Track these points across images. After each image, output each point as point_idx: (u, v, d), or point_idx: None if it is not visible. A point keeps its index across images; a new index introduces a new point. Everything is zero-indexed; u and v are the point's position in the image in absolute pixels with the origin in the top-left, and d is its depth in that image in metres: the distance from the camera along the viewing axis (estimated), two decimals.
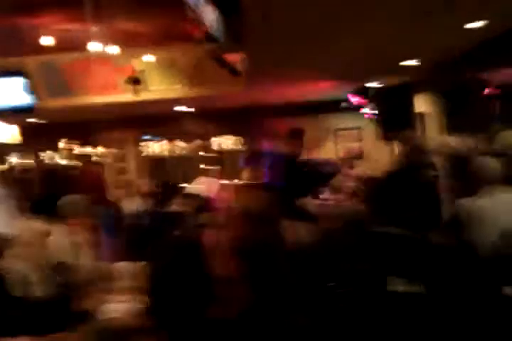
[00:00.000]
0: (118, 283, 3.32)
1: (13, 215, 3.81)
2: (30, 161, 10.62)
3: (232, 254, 2.78)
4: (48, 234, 3.53)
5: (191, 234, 5.11)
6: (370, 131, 9.82)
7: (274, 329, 1.75)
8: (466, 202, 3.46)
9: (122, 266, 3.46)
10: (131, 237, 6.27)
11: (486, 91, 6.96)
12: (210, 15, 4.77)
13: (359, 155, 9.77)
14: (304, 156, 5.57)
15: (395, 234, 3.65)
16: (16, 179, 5.59)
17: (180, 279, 1.58)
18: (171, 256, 1.65)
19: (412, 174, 4.27)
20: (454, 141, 5.70)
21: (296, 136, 5.38)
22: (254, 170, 8.60)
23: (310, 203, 5.19)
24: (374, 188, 4.80)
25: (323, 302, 3.75)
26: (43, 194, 6.45)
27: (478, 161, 3.55)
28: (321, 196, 6.37)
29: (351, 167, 7.17)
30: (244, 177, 8.27)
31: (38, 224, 3.40)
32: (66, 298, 3.20)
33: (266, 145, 9.23)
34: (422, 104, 8.08)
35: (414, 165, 4.42)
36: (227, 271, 2.01)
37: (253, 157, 8.70)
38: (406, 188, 4.30)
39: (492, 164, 3.49)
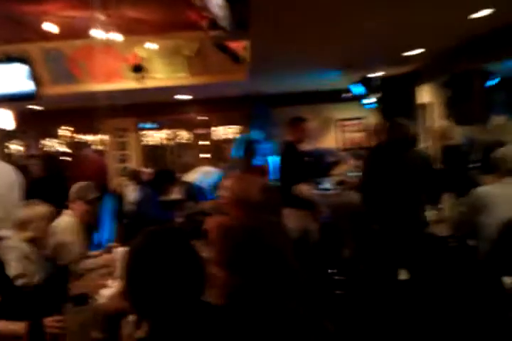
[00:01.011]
0: (116, 268, 3.36)
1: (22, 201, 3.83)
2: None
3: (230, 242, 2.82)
4: (52, 217, 3.58)
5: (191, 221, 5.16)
6: (372, 122, 9.86)
7: (268, 316, 1.74)
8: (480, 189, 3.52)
9: (121, 251, 3.50)
10: (130, 223, 6.33)
11: (488, 81, 6.98)
12: (214, 2, 4.77)
13: (361, 146, 9.80)
14: (306, 146, 5.55)
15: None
16: (20, 165, 5.60)
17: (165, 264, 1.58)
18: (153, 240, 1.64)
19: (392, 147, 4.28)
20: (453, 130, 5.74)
21: (298, 124, 5.38)
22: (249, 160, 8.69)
23: (308, 191, 5.20)
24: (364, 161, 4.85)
25: (324, 289, 3.81)
26: (42, 178, 6.46)
27: (502, 151, 3.59)
28: (321, 186, 6.41)
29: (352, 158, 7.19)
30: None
31: (41, 208, 3.43)
32: (64, 281, 3.26)
33: (268, 135, 9.30)
34: (423, 94, 8.11)
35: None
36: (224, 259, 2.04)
37: (250, 146, 8.77)
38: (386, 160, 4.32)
39: None
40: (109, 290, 2.89)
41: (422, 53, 6.62)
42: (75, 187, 4.08)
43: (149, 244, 1.59)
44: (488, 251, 3.30)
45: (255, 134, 8.99)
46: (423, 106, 8.01)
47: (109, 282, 3.10)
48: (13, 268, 2.99)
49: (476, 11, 4.65)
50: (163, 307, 1.52)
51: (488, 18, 4.85)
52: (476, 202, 3.47)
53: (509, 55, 5.61)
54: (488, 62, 6.28)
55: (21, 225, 3.31)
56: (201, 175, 8.03)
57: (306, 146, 5.47)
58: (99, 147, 10.73)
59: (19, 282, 2.98)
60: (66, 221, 3.91)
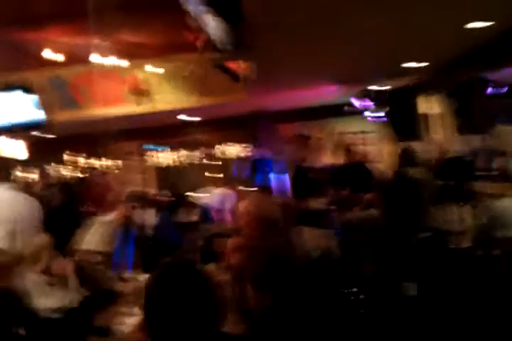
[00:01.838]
0: (133, 296, 3.33)
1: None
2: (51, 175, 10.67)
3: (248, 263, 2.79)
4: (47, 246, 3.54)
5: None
6: (375, 135, 9.85)
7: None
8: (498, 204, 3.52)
9: (139, 277, 3.47)
10: (145, 249, 6.28)
11: (490, 90, 6.97)
12: (212, 24, 4.80)
13: (364, 159, 9.75)
14: (310, 162, 5.51)
15: None
16: (37, 195, 5.52)
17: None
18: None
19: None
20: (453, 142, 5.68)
21: (302, 141, 5.35)
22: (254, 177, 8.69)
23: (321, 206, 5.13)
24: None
25: (344, 308, 3.74)
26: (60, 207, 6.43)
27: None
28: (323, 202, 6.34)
29: None
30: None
31: (44, 235, 3.41)
32: (91, 309, 3.22)
33: (270, 152, 9.30)
34: (426, 105, 8.09)
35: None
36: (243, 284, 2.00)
37: (256, 164, 8.78)
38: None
39: None
40: (134, 319, 2.84)
41: (422, 65, 6.62)
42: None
43: (166, 278, 1.66)
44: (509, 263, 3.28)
45: (260, 152, 8.99)
46: (426, 117, 7.99)
47: (135, 310, 3.06)
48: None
49: (473, 21, 4.66)
50: (180, 339, 1.57)
51: (486, 28, 4.85)
52: (495, 216, 3.47)
53: (509, 63, 5.61)
54: (489, 72, 6.28)
55: (34, 257, 3.29)
56: (214, 197, 8.02)
57: (311, 162, 5.43)
58: (108, 171, 10.75)
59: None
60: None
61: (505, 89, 6.90)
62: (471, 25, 4.75)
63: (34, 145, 9.42)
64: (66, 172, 10.99)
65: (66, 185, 8.06)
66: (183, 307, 1.58)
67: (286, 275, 1.91)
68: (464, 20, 4.64)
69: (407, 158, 4.39)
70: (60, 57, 6.83)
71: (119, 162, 10.55)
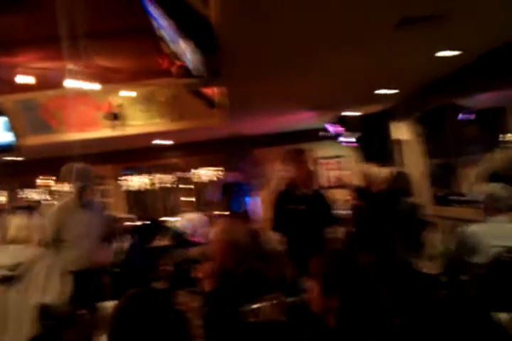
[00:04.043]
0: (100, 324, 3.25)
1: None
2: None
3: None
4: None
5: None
6: (350, 159, 9.96)
7: None
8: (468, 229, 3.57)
9: (106, 304, 3.40)
10: (118, 273, 6.17)
11: (461, 116, 7.11)
12: (186, 51, 4.82)
13: (341, 184, 9.83)
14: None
15: None
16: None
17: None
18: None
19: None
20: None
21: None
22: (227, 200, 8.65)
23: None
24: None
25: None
26: None
27: (489, 189, 3.65)
28: None
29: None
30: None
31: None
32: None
33: (245, 176, 9.29)
34: (399, 130, 8.20)
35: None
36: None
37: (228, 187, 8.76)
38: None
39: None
40: None
41: (394, 92, 6.74)
42: None
43: (131, 308, 1.61)
44: (479, 288, 3.29)
45: (234, 176, 8.99)
46: (399, 142, 8.10)
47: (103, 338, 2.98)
48: None
49: (443, 50, 4.76)
50: None
51: (455, 57, 4.97)
52: (464, 241, 3.49)
53: (479, 89, 5.73)
54: (459, 98, 6.40)
55: None
56: (189, 222, 7.95)
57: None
58: None
59: None
60: None
61: (473, 116, 7.05)
62: (441, 53, 4.86)
63: (4, 168, 9.26)
64: (37, 195, 10.81)
65: (30, 209, 7.91)
66: (149, 337, 1.54)
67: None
68: (434, 50, 4.74)
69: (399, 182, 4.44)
70: (32, 82, 6.77)
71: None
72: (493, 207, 3.52)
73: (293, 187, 4.45)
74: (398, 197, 4.90)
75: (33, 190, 10.85)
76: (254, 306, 2.21)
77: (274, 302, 2.25)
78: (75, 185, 4.44)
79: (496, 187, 3.67)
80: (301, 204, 4.30)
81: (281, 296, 2.32)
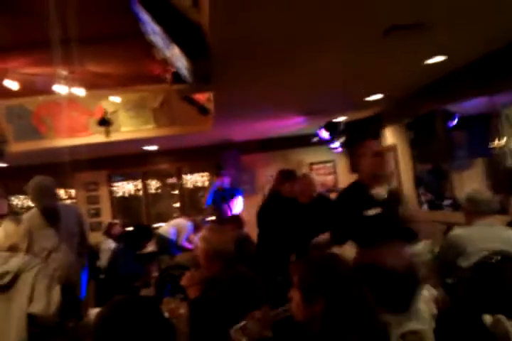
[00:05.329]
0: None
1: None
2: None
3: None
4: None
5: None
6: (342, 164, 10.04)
7: None
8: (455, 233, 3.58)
9: (90, 311, 3.38)
10: (105, 280, 6.13)
11: (449, 122, 7.16)
12: (177, 57, 4.83)
13: (334, 188, 9.86)
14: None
15: None
16: None
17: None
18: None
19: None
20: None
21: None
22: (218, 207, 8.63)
23: None
24: None
25: None
26: None
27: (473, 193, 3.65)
28: None
29: None
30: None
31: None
32: None
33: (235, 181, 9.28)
34: (388, 136, 8.25)
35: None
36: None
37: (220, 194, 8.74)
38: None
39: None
40: None
41: (383, 98, 6.77)
42: None
43: (114, 316, 1.58)
44: (466, 291, 3.29)
45: (225, 182, 8.97)
46: (388, 148, 8.14)
47: None
48: None
49: (430, 57, 4.80)
50: None
51: (443, 63, 5.01)
52: (450, 245, 3.50)
53: (466, 96, 5.78)
54: (447, 104, 6.45)
55: None
56: (174, 228, 7.94)
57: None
58: (71, 202, 10.53)
59: None
60: None
61: (455, 121, 7.08)
62: (429, 60, 4.90)
63: None
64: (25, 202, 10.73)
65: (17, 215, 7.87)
66: None
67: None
68: (422, 56, 4.79)
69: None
70: (22, 87, 6.73)
71: (83, 192, 10.34)
72: (475, 211, 3.52)
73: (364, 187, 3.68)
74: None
75: (21, 197, 10.77)
76: (240, 324, 2.20)
77: (259, 317, 2.24)
78: (38, 205, 4.30)
79: (476, 191, 3.68)
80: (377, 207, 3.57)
81: (266, 309, 2.30)
